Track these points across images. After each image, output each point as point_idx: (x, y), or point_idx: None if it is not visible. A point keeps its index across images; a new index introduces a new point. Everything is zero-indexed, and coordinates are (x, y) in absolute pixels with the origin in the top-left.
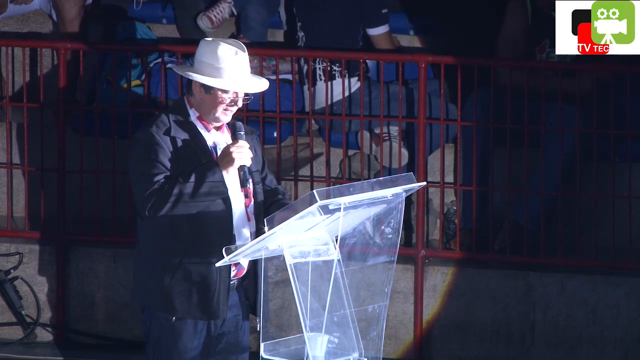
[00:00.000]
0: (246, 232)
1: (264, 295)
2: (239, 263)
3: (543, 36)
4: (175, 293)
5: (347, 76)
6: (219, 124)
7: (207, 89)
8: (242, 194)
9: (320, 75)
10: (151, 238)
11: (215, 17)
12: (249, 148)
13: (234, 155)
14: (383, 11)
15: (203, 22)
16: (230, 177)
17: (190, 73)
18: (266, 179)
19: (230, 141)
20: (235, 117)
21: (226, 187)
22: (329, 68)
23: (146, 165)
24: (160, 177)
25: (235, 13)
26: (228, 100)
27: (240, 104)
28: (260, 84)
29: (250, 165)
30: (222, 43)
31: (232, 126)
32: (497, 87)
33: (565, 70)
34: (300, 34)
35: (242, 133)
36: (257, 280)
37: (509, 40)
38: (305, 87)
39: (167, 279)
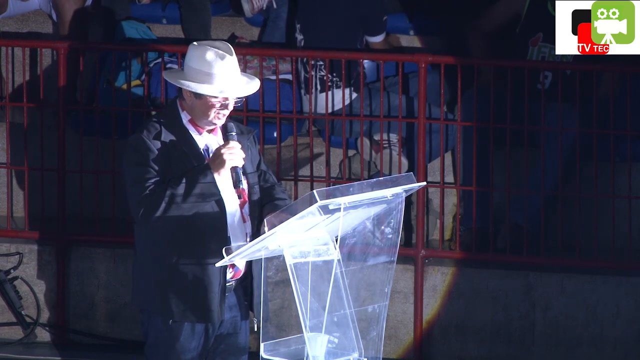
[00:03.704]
0: (242, 233)
1: (263, 295)
2: (235, 265)
3: (537, 29)
4: (172, 296)
5: (346, 85)
6: (212, 127)
7: (197, 94)
8: (236, 195)
9: (317, 84)
10: (147, 241)
11: (256, 3)
12: (242, 148)
13: (225, 156)
14: (384, 19)
15: (247, 5)
16: (223, 179)
17: (180, 80)
18: (264, 176)
19: (222, 142)
20: (236, 117)
21: (218, 189)
22: (328, 78)
23: (138, 170)
24: (151, 182)
25: (275, 6)
26: (218, 105)
27: (231, 107)
28: (251, 86)
29: (245, 166)
30: (209, 48)
31: (223, 127)
32: (481, 84)
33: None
34: (299, 36)
35: (234, 134)
36: (254, 282)
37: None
38: (303, 90)
39: (163, 282)
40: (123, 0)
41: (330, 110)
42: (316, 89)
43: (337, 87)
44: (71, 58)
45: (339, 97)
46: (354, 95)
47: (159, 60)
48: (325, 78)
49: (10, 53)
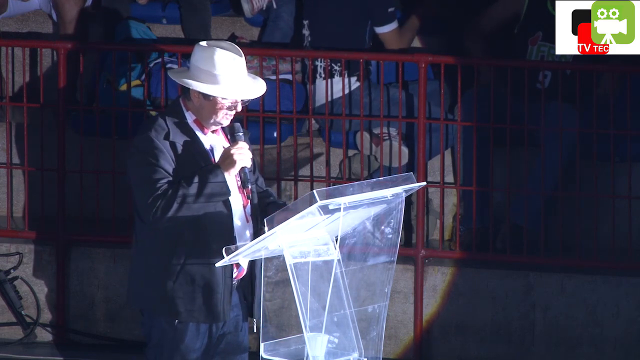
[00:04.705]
0: (246, 233)
1: (263, 295)
2: (239, 264)
3: (536, 28)
4: (178, 296)
5: (347, 75)
6: (218, 127)
7: (206, 95)
8: (240, 196)
9: (320, 73)
10: (152, 242)
11: (256, 3)
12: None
13: (235, 157)
14: (390, 10)
15: (247, 5)
16: (229, 179)
17: (189, 81)
18: (258, 181)
19: (226, 143)
20: (235, 117)
21: (229, 189)
22: (329, 67)
23: (147, 170)
24: (162, 182)
25: (275, 6)
26: (228, 105)
27: (239, 108)
28: (259, 88)
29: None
30: (218, 49)
31: (230, 128)
32: (481, 84)
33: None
34: (306, 32)
35: (241, 134)
36: (253, 281)
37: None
38: (306, 81)
39: (169, 283)
40: (123, 0)
41: (330, 99)
42: (318, 77)
43: (338, 75)
44: (71, 58)
45: (339, 86)
46: (355, 85)
47: (159, 60)
48: (326, 65)
49: (10, 53)
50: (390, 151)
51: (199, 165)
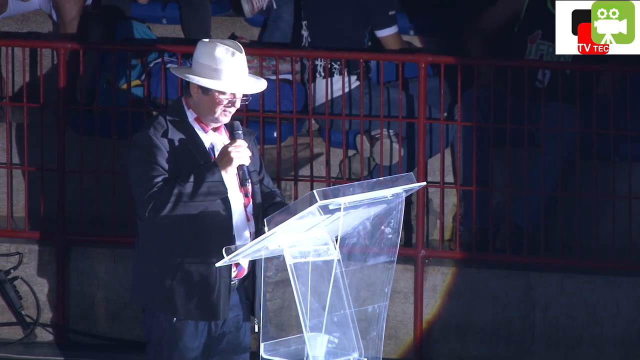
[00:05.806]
0: (246, 232)
1: (263, 295)
2: (239, 263)
3: (536, 27)
4: (177, 294)
5: (346, 74)
6: (218, 124)
7: (205, 90)
8: (241, 194)
9: (320, 72)
10: (151, 239)
11: (256, 3)
12: (248, 147)
13: (232, 154)
14: (390, 13)
15: (247, 5)
16: (229, 177)
17: (188, 75)
18: (264, 181)
19: (227, 142)
20: (235, 117)
21: (225, 187)
22: (329, 66)
23: (145, 167)
24: (159, 179)
25: (275, 6)
26: (226, 101)
27: (238, 104)
28: (258, 85)
29: (249, 165)
30: (219, 44)
31: (229, 126)
32: (481, 85)
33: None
34: (305, 33)
35: (240, 132)
36: (256, 281)
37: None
38: (305, 80)
39: (168, 280)
40: (123, 0)
41: (330, 97)
42: (318, 75)
43: (338, 74)
44: (71, 58)
45: (339, 85)
46: (355, 84)
47: (159, 60)
48: (326, 64)
49: (10, 53)
50: (390, 149)
51: (198, 163)
